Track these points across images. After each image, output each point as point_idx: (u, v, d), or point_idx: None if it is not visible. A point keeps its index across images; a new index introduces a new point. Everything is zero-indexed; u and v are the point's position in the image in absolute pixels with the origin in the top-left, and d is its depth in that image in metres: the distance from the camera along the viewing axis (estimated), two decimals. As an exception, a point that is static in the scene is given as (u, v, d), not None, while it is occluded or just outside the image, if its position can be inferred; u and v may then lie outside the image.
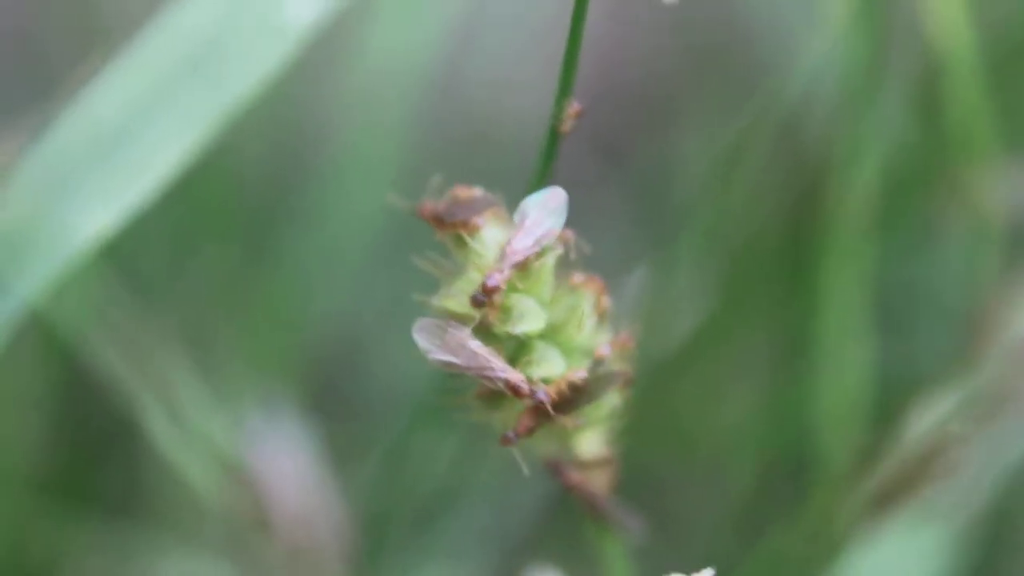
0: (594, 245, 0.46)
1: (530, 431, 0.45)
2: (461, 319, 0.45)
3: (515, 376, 0.44)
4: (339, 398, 0.80)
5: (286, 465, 0.60)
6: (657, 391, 0.74)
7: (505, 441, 0.45)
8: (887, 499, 0.56)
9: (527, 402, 0.44)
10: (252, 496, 0.58)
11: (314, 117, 0.86)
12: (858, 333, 0.66)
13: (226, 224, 0.79)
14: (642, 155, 0.96)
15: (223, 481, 0.59)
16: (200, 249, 0.78)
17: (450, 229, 0.45)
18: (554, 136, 0.46)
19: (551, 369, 0.45)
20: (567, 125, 0.45)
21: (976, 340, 0.63)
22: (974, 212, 0.68)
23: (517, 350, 0.45)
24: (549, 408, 0.44)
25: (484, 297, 0.44)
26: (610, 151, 0.97)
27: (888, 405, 0.63)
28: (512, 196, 0.46)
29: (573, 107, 0.45)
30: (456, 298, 0.45)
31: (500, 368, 0.44)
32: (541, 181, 0.46)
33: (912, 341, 0.75)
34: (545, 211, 0.45)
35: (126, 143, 0.49)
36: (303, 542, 0.58)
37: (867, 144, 0.66)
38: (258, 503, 0.58)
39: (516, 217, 0.45)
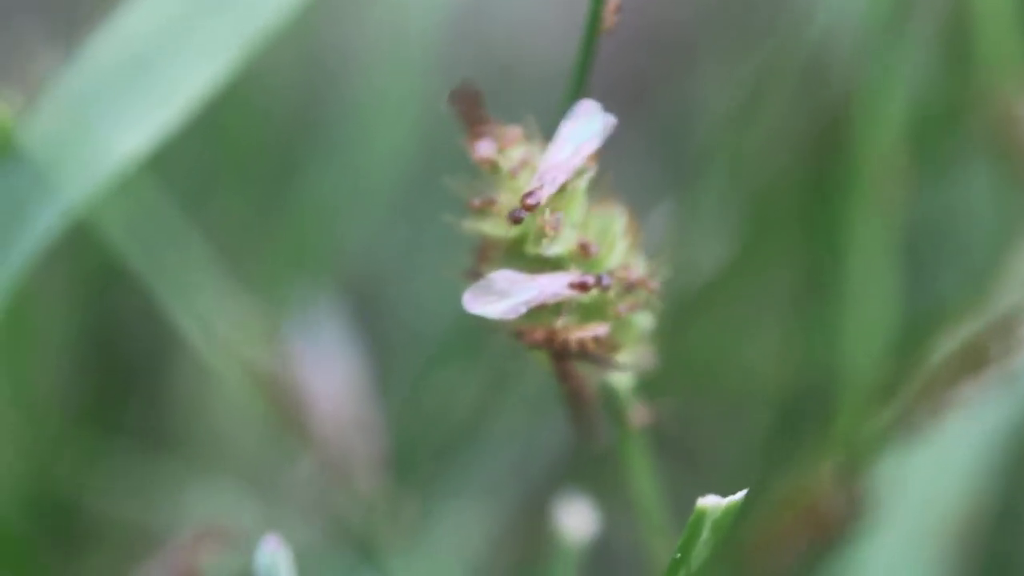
0: (617, 188, 0.46)
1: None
2: (494, 243, 0.45)
3: (576, 277, 0.44)
4: (364, 335, 0.80)
5: (327, 374, 0.60)
6: (681, 328, 0.74)
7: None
8: (910, 424, 0.56)
9: (594, 295, 0.44)
10: (293, 405, 0.58)
11: (338, 53, 0.86)
12: (882, 271, 0.66)
13: (251, 160, 0.79)
14: (665, 97, 0.96)
15: (263, 391, 0.59)
16: (225, 184, 0.78)
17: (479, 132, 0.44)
18: (592, 34, 0.43)
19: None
20: (610, 20, 0.42)
21: (1000, 277, 0.63)
22: (1001, 148, 0.68)
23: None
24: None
25: (523, 213, 0.43)
26: (632, 93, 0.97)
27: (911, 343, 0.63)
28: (538, 131, 0.45)
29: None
30: (489, 220, 0.45)
31: (560, 281, 0.44)
32: (579, 85, 0.45)
33: (938, 279, 0.75)
34: (578, 122, 0.44)
35: (157, 66, 0.49)
36: (341, 454, 0.58)
37: (892, 81, 0.66)
38: (299, 411, 0.58)
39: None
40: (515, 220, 0.43)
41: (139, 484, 0.72)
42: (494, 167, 0.45)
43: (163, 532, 0.70)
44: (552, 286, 0.44)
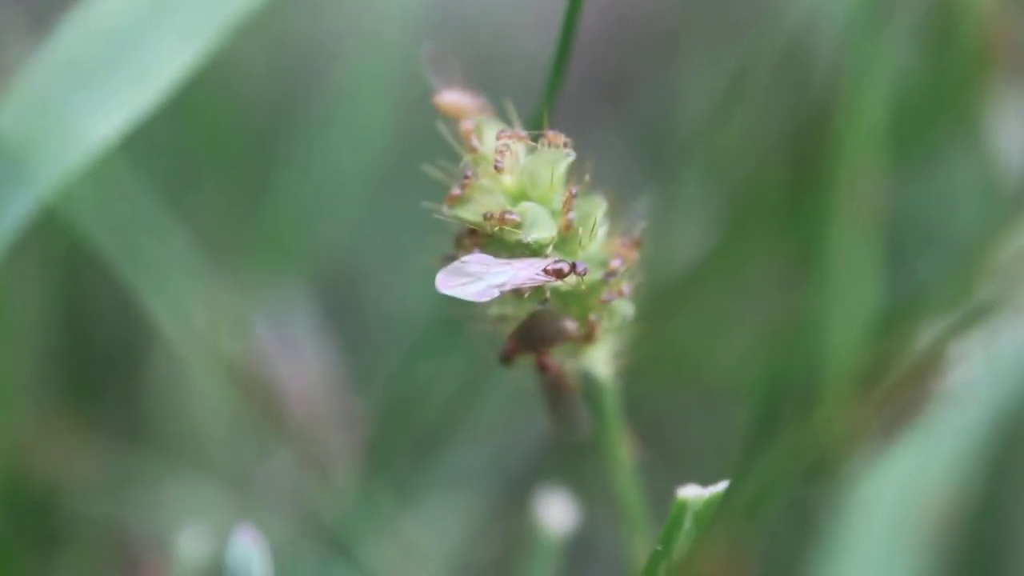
0: (596, 180, 0.45)
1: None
2: (472, 230, 0.44)
3: (552, 263, 0.43)
4: (340, 328, 0.80)
5: (302, 365, 0.59)
6: (661, 321, 0.74)
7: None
8: (891, 414, 0.56)
9: (572, 281, 0.43)
10: (267, 397, 0.57)
11: (316, 44, 0.86)
12: (863, 261, 0.66)
13: (227, 148, 0.78)
14: (645, 89, 0.95)
15: (238, 383, 0.59)
16: (201, 173, 0.78)
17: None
18: (572, 16, 0.43)
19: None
20: None
21: (981, 267, 0.63)
22: (982, 140, 0.68)
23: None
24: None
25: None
26: (610, 86, 0.97)
27: (893, 334, 0.63)
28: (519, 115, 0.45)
29: None
30: (467, 207, 0.44)
31: (535, 267, 0.43)
32: (558, 76, 0.45)
33: (919, 270, 0.75)
34: None
35: (130, 50, 0.49)
36: (315, 446, 0.58)
37: (873, 71, 0.66)
38: (273, 403, 0.57)
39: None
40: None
41: (114, 478, 0.72)
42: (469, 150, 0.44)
43: (138, 526, 0.69)
44: (527, 271, 0.43)
